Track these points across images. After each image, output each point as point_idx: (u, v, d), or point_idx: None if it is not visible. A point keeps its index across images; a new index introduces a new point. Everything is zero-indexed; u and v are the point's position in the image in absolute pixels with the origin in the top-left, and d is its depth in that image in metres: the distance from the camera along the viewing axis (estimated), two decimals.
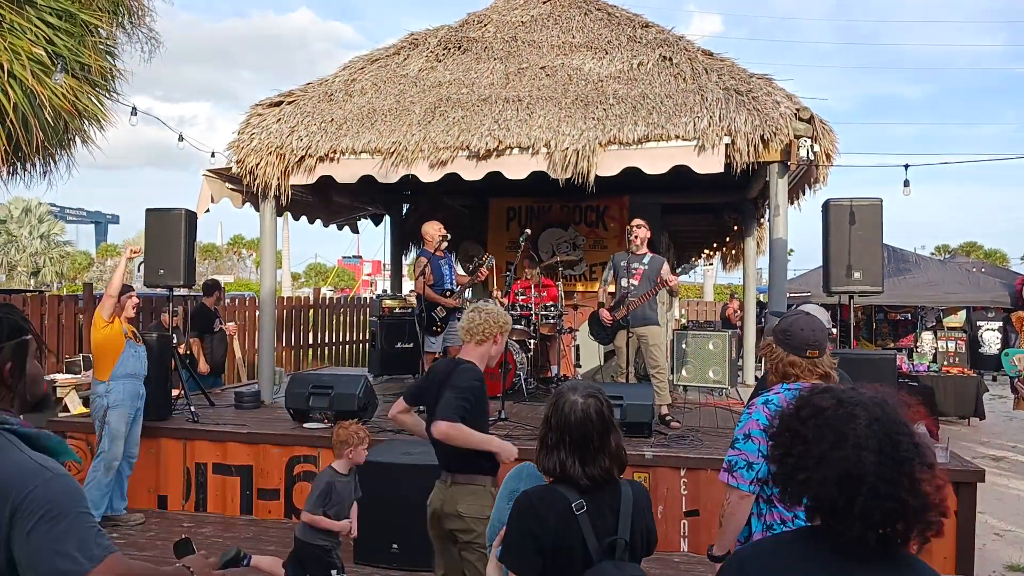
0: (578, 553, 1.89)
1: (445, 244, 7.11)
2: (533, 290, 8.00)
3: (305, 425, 5.92)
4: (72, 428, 6.18)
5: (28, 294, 10.15)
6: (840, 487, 1.25)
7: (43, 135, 7.53)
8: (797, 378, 2.51)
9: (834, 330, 16.01)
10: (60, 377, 7.96)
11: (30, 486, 1.50)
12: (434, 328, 6.87)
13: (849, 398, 1.33)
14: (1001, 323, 16.42)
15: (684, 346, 8.16)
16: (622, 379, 6.46)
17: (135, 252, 5.72)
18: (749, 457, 2.41)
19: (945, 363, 12.88)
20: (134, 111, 7.83)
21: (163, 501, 5.91)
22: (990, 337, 16.51)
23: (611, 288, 6.69)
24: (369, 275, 43.96)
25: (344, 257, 47.97)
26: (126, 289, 5.47)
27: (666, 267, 6.34)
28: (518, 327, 7.72)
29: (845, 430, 1.28)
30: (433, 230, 7.05)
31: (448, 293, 6.97)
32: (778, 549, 1.41)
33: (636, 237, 6.36)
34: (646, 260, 6.33)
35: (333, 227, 10.18)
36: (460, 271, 7.51)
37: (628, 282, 6.29)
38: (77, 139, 8.56)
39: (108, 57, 8.65)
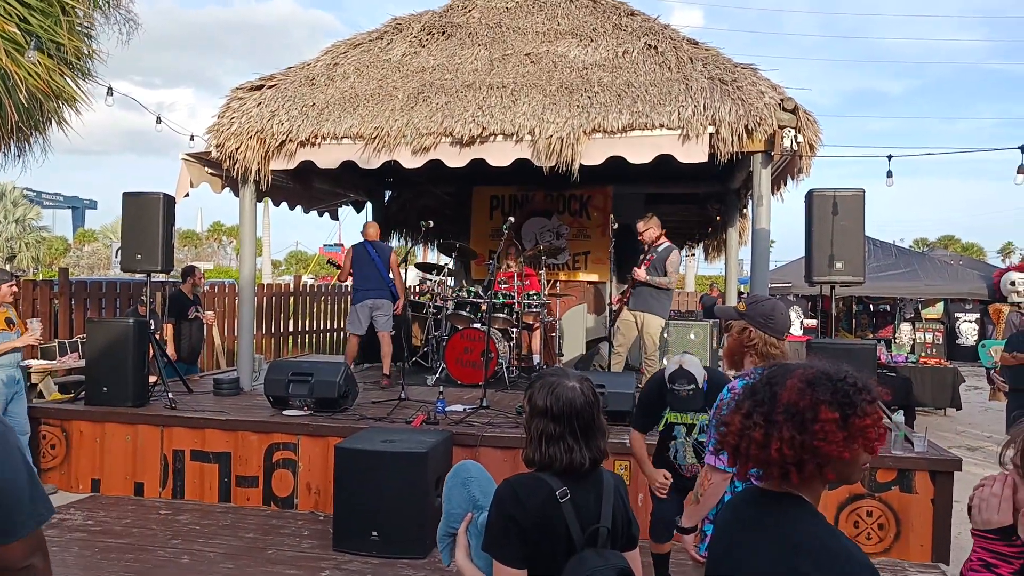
0: (561, 541, 1.87)
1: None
2: (516, 279, 7.97)
3: (284, 412, 5.87)
4: (47, 415, 6.10)
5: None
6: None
7: (17, 116, 7.40)
8: (775, 359, 2.61)
9: (812, 321, 16.14)
10: (35, 363, 7.85)
11: None
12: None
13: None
14: (978, 315, 16.64)
15: (666, 335, 8.18)
16: (614, 360, 6.96)
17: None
18: None
19: (923, 354, 13.01)
20: (110, 91, 7.69)
21: (140, 488, 5.84)
22: (967, 328, 16.74)
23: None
24: None
25: (325, 245, 47.61)
26: (6, 278, 5.66)
27: (672, 256, 6.76)
28: (501, 316, 7.71)
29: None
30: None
31: None
32: (738, 498, 1.71)
33: (643, 237, 6.88)
34: (659, 249, 6.81)
35: (314, 214, 10.08)
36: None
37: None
38: (52, 121, 8.42)
39: (85, 39, 8.50)
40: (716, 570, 1.61)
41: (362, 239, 7.74)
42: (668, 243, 6.91)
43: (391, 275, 7.63)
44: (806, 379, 1.46)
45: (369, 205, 10.65)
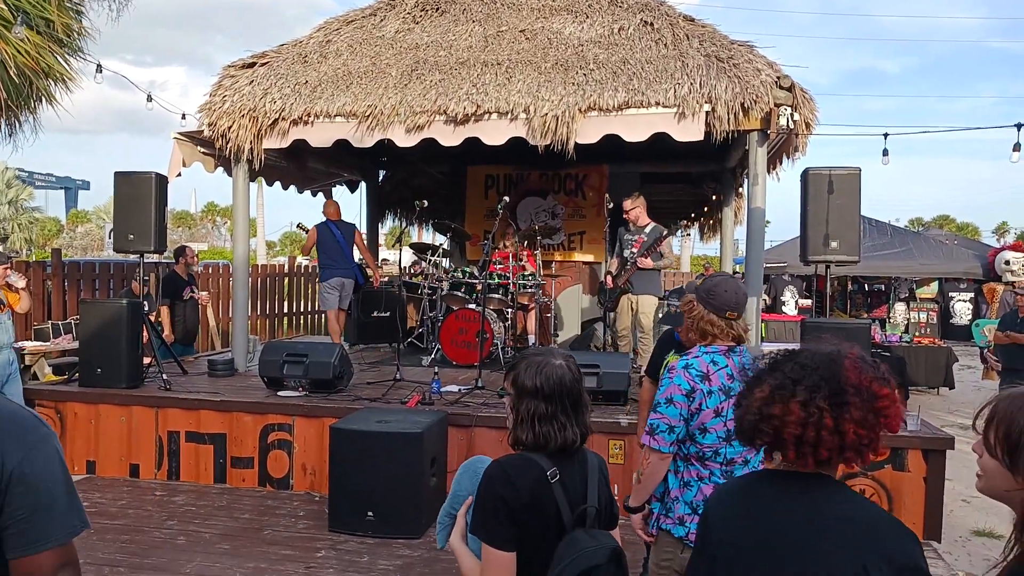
0: (551, 522, 1.86)
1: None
2: (511, 259, 7.94)
3: (279, 393, 5.86)
4: (41, 396, 6.08)
5: None
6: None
7: (6, 94, 7.31)
8: (714, 338, 2.58)
9: (808, 301, 16.19)
10: (29, 344, 7.82)
11: None
12: None
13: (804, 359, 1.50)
14: (972, 294, 16.67)
15: (659, 315, 8.19)
16: (622, 343, 7.11)
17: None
18: (671, 421, 2.49)
19: (917, 333, 13.07)
20: (99, 68, 7.60)
21: (135, 470, 5.84)
22: (961, 308, 16.78)
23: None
24: None
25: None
26: (1, 260, 5.67)
27: (667, 238, 6.95)
28: (496, 296, 7.69)
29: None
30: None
31: None
32: (739, 485, 1.63)
33: (628, 215, 6.97)
34: (647, 230, 6.92)
35: (309, 195, 10.03)
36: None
37: (629, 252, 6.93)
38: (43, 100, 8.32)
39: (74, 15, 8.39)
40: (745, 558, 1.47)
41: (324, 219, 7.90)
42: (653, 224, 7.02)
43: (356, 254, 7.85)
44: (858, 358, 1.48)
45: (363, 184, 10.59)
